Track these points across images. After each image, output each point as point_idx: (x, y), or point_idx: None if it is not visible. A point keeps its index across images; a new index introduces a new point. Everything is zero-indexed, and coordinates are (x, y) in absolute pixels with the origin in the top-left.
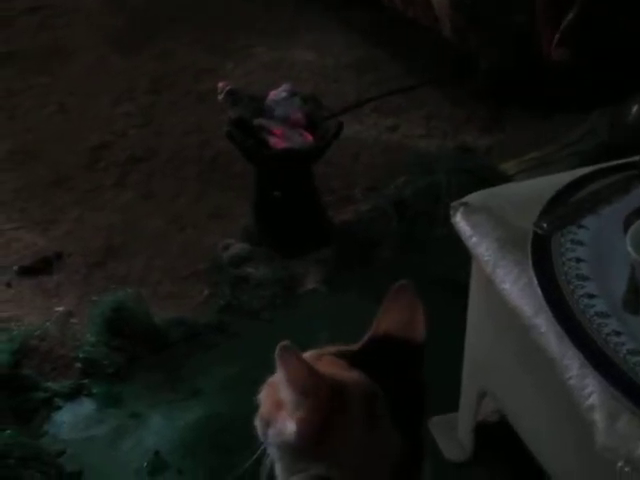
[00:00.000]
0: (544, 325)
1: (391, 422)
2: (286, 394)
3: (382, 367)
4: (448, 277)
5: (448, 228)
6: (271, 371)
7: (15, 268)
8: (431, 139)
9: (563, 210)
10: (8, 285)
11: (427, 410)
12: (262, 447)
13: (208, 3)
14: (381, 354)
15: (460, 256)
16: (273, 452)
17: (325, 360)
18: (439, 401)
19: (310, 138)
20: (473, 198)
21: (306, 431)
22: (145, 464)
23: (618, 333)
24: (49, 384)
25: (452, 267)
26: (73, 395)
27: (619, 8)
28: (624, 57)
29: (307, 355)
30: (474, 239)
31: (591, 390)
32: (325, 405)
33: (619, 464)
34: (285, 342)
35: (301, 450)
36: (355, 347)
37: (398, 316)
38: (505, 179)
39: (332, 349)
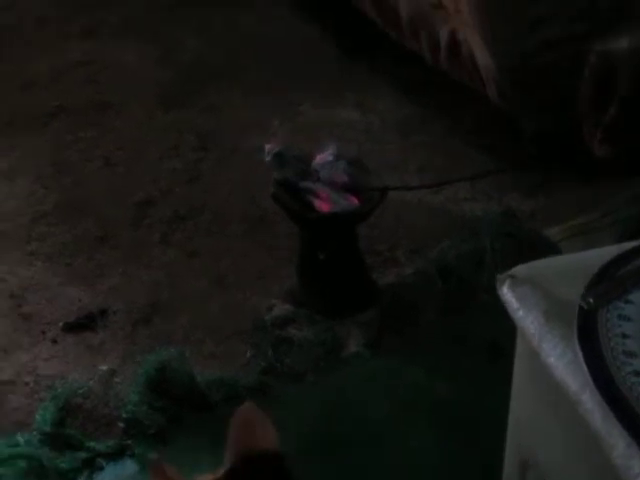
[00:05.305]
0: (590, 401)
1: None
2: None
3: None
4: (492, 343)
5: (492, 294)
6: (314, 435)
7: (60, 324)
8: (475, 202)
9: (609, 284)
10: (54, 341)
11: None
12: None
13: (254, 59)
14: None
15: (504, 323)
16: None
17: None
18: (481, 471)
19: (355, 201)
20: (519, 270)
21: None
22: None
23: None
24: (92, 443)
25: (495, 333)
26: (116, 455)
27: None
28: None
29: None
30: (520, 312)
31: (638, 471)
32: None
33: None
34: (152, 458)
35: None
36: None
37: (245, 437)
38: (550, 245)
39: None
